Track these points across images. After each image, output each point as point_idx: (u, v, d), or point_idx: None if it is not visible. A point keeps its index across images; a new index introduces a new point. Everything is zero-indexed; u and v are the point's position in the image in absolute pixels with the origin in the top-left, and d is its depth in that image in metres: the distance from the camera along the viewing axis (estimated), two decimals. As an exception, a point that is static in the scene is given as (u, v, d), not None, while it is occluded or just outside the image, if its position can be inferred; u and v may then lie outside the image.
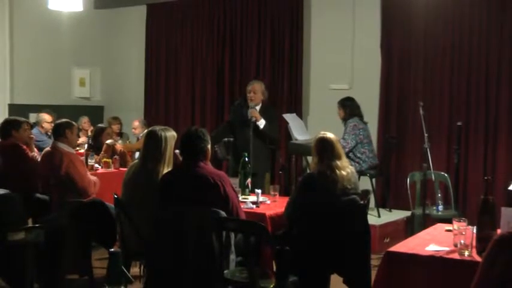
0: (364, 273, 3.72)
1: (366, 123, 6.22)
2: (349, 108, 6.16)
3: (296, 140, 6.29)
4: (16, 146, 5.15)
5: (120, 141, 7.52)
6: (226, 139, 6.29)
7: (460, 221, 2.87)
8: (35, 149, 5.57)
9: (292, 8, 7.66)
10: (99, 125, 7.53)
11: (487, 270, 1.90)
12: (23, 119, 5.52)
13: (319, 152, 3.83)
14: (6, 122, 5.33)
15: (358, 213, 3.76)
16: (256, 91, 5.83)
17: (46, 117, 7.58)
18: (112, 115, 8.87)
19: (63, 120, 5.11)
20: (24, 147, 5.22)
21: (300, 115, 7.26)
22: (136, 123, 8.07)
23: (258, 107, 5.84)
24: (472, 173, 6.46)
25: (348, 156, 5.73)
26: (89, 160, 5.93)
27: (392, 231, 5.98)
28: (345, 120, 6.16)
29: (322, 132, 3.94)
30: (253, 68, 7.96)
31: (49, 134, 7.29)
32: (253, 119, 5.70)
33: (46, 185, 4.97)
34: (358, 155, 6.02)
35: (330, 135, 3.91)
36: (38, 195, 5.07)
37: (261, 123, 5.71)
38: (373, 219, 5.73)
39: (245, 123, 5.74)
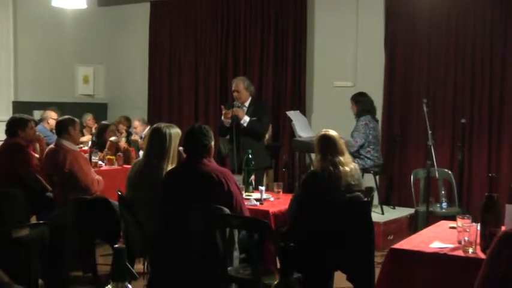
0: (368, 270, 3.72)
1: (377, 121, 6.23)
2: (363, 104, 6.16)
3: (300, 137, 6.28)
4: (18, 145, 5.17)
5: (123, 139, 7.51)
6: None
7: (464, 218, 2.87)
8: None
9: (295, 5, 7.64)
10: (103, 122, 7.54)
11: (491, 266, 1.90)
12: (28, 117, 5.54)
13: (322, 148, 3.84)
14: (13, 121, 5.34)
15: (361, 210, 3.76)
16: (240, 89, 5.71)
17: (52, 114, 7.60)
18: (115, 112, 8.88)
19: (66, 117, 5.12)
20: (28, 147, 5.25)
21: (303, 112, 7.26)
22: (136, 123, 8.06)
23: (247, 103, 5.77)
24: (476, 170, 6.45)
25: (351, 153, 5.74)
26: (93, 157, 5.94)
27: (396, 228, 5.97)
28: (358, 116, 6.15)
29: (324, 130, 3.95)
30: (256, 65, 7.95)
31: (53, 131, 7.31)
32: (239, 118, 5.59)
33: (50, 182, 5.00)
34: (363, 153, 6.02)
35: (332, 132, 3.92)
36: (42, 192, 5.11)
37: (244, 121, 5.60)
38: (376, 216, 5.73)
39: (233, 122, 5.68)
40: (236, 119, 5.57)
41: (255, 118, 5.63)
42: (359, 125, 6.06)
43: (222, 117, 5.68)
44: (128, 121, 8.40)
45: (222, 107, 5.81)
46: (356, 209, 3.72)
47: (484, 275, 1.92)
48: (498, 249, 1.90)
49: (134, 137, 7.83)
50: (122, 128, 8.24)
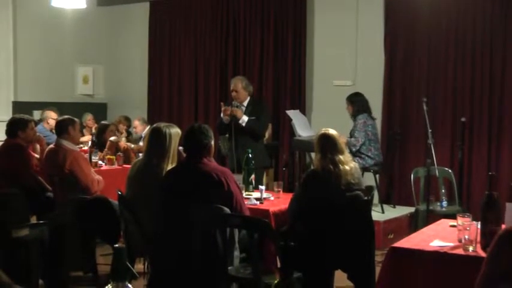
0: (368, 269, 3.72)
1: (374, 119, 6.23)
2: (358, 104, 6.17)
3: (299, 136, 6.28)
4: (19, 146, 5.18)
5: (123, 139, 7.51)
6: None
7: (464, 217, 2.87)
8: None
9: (295, 4, 7.64)
10: (103, 122, 7.53)
11: (491, 264, 1.90)
12: (29, 117, 5.54)
13: (322, 147, 3.84)
14: (13, 121, 5.35)
15: (362, 209, 3.76)
16: (238, 89, 5.69)
17: (51, 114, 7.59)
18: (115, 112, 8.88)
19: (65, 116, 5.12)
20: (28, 148, 5.26)
21: (303, 111, 7.25)
22: (136, 123, 8.05)
23: (245, 103, 5.76)
24: (476, 169, 6.45)
25: (352, 153, 5.75)
26: (93, 157, 5.94)
27: (396, 227, 5.97)
28: (354, 116, 6.16)
29: (324, 129, 3.95)
30: (256, 64, 7.95)
31: (53, 131, 7.31)
32: (237, 118, 5.56)
33: (50, 183, 5.00)
34: (364, 151, 6.02)
35: (331, 131, 3.92)
36: (42, 192, 5.12)
37: (243, 121, 5.56)
38: (377, 215, 5.73)
39: (231, 122, 5.66)
40: (235, 119, 5.57)
41: (253, 117, 5.62)
42: (358, 123, 6.07)
43: (221, 114, 5.68)
44: (127, 121, 8.40)
45: (222, 103, 5.80)
46: (356, 207, 3.72)
47: (485, 273, 1.92)
48: (498, 247, 1.91)
49: (121, 143, 7.50)
50: (122, 127, 8.23)
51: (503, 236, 1.92)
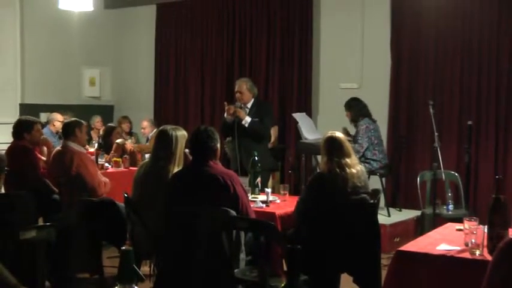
0: (374, 272, 3.71)
1: (375, 122, 6.21)
2: (356, 108, 6.14)
3: (306, 139, 6.28)
4: (25, 148, 5.20)
5: (129, 141, 7.54)
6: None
7: (471, 220, 2.86)
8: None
9: (302, 7, 7.65)
10: (109, 124, 7.55)
11: (493, 275, 1.89)
12: (34, 119, 5.56)
13: (328, 150, 3.84)
14: (19, 123, 5.38)
15: (368, 212, 3.75)
16: (242, 90, 5.70)
17: (58, 116, 7.62)
18: (122, 114, 8.91)
19: (73, 119, 5.15)
20: (34, 150, 5.28)
21: (309, 114, 7.25)
22: (145, 123, 8.08)
23: (249, 104, 5.75)
24: (482, 172, 6.42)
25: (358, 159, 5.72)
26: (99, 159, 5.96)
27: (402, 230, 5.96)
28: (354, 121, 6.14)
29: (331, 132, 3.95)
30: (262, 67, 7.95)
31: (59, 133, 7.34)
32: (240, 118, 5.57)
33: (56, 185, 5.01)
34: (369, 156, 6.00)
35: (338, 134, 3.92)
36: (49, 194, 5.13)
37: (246, 121, 5.57)
38: (383, 218, 5.71)
39: (234, 123, 5.67)
40: (238, 120, 5.58)
41: (257, 119, 5.63)
42: (360, 129, 6.04)
43: (225, 114, 5.68)
44: (125, 119, 8.47)
45: (225, 103, 5.80)
46: (362, 211, 3.72)
47: (487, 282, 1.90)
48: (500, 258, 1.89)
49: (127, 145, 7.59)
50: (126, 127, 8.29)
51: (504, 248, 1.91)
